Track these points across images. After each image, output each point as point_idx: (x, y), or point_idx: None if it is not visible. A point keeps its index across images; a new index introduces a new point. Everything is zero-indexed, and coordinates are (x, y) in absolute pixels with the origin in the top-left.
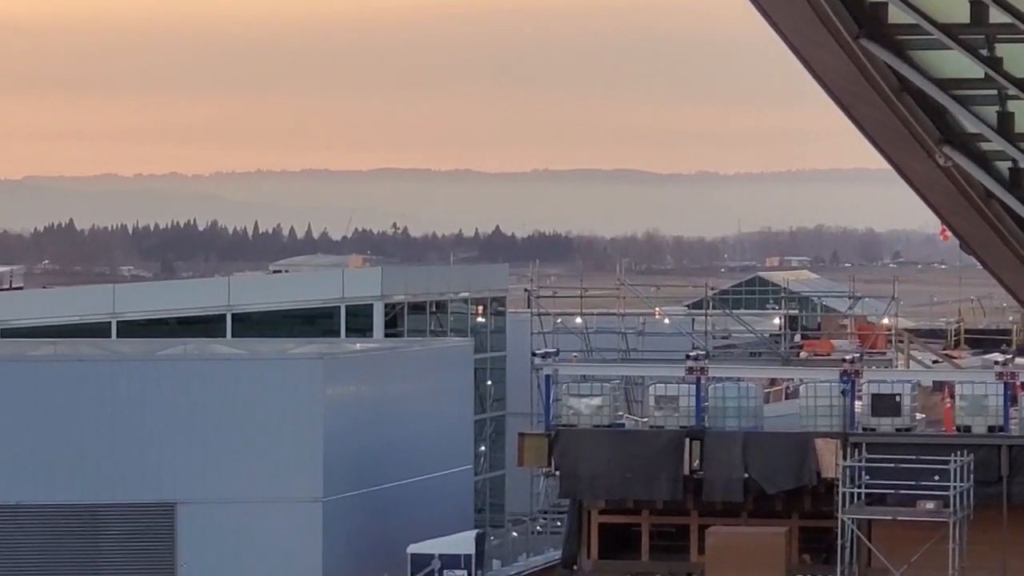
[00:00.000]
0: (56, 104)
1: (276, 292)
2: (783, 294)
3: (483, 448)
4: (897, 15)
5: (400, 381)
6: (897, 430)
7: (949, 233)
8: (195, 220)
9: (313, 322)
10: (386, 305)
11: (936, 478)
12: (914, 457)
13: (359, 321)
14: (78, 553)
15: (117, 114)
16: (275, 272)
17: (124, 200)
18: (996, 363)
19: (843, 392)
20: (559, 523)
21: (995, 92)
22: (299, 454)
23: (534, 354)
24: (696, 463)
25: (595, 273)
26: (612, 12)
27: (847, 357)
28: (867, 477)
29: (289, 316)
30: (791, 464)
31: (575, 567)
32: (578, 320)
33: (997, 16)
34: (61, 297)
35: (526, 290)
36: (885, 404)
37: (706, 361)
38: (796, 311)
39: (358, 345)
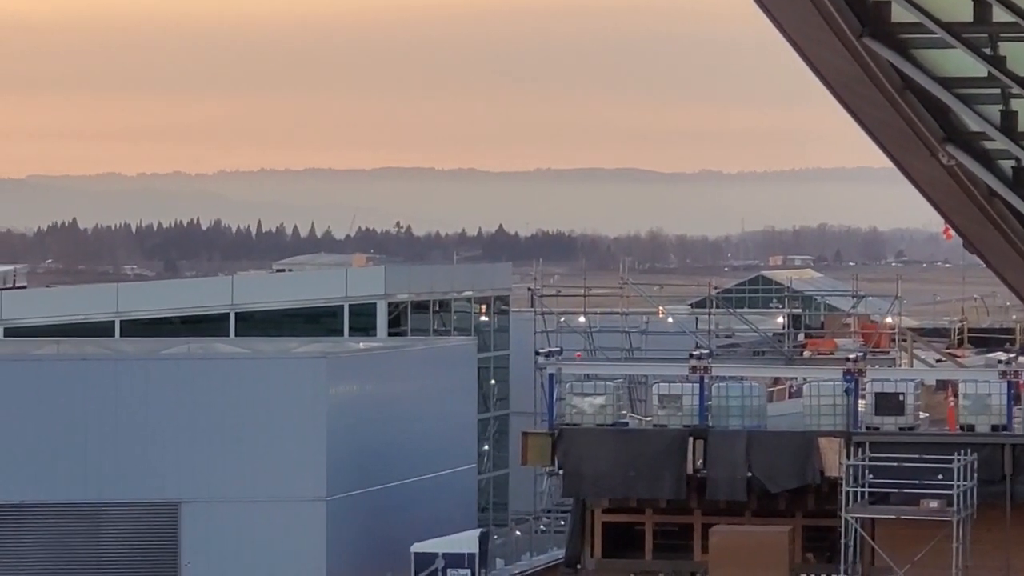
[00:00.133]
0: (59, 103)
1: (279, 291)
2: (786, 293)
3: (487, 447)
4: (900, 14)
5: (403, 380)
6: (900, 429)
7: (952, 232)
8: (198, 219)
9: (317, 321)
10: (389, 304)
11: (939, 477)
12: (917, 456)
13: (362, 320)
14: (82, 552)
15: (121, 113)
16: (278, 271)
17: (127, 199)
18: (999, 362)
19: (847, 391)
20: (563, 522)
21: (998, 91)
22: (303, 453)
23: (537, 353)
24: (700, 462)
25: (598, 272)
26: (615, 11)
27: (850, 356)
28: (870, 476)
29: (292, 315)
30: (795, 463)
31: (578, 566)
32: (581, 319)
33: (1000, 15)
34: (65, 296)
35: (529, 289)
36: (888, 403)
37: (709, 360)
38: (799, 310)
39: (361, 344)
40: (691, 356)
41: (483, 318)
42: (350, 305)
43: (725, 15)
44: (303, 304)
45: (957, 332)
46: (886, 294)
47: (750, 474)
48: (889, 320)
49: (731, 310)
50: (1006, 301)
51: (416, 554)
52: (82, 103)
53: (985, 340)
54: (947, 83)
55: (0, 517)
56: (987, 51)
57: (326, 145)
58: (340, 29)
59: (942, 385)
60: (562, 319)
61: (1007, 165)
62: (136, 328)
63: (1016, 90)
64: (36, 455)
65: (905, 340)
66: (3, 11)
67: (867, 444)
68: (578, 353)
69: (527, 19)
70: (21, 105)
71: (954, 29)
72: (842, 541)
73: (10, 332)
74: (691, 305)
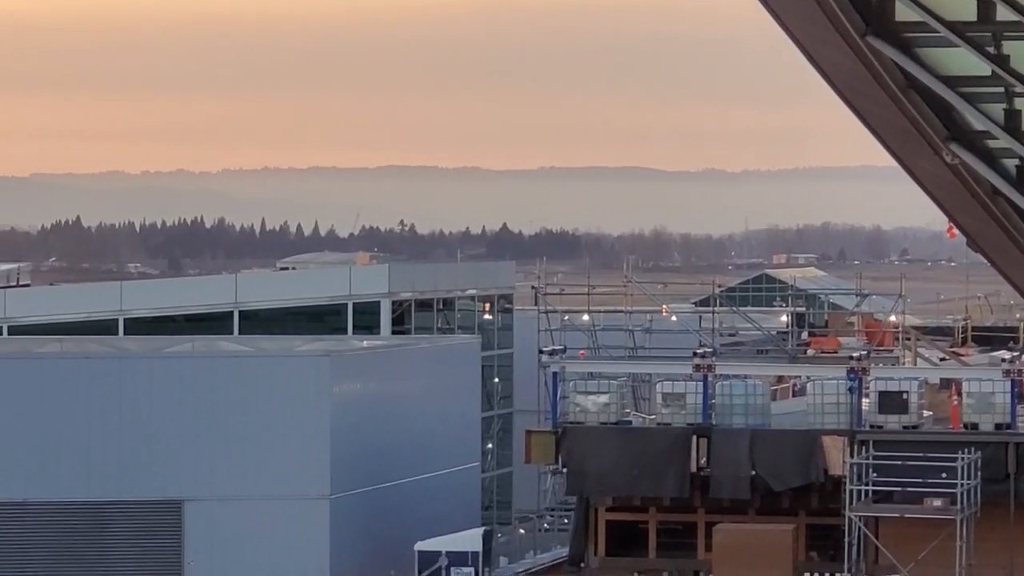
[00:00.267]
0: (63, 101)
1: (283, 289)
2: (790, 291)
3: (490, 445)
4: (904, 12)
5: (407, 378)
6: (904, 427)
7: (956, 230)
8: (202, 217)
9: (320, 319)
10: (393, 302)
11: (943, 476)
12: (921, 455)
13: (366, 318)
14: (85, 551)
15: (124, 111)
16: (282, 269)
17: (131, 197)
18: (1003, 360)
19: (850, 389)
20: (566, 520)
21: (1002, 89)
22: (306, 451)
23: (541, 351)
24: (703, 460)
25: (602, 270)
26: (618, 11)
27: (854, 355)
28: (874, 474)
29: (296, 313)
30: (798, 461)
31: (582, 564)
32: (585, 317)
33: (1004, 14)
34: (68, 294)
35: (533, 287)
36: (892, 401)
37: (713, 358)
38: (803, 308)
39: (365, 342)
40: (695, 354)
41: (487, 316)
42: (354, 303)
43: (728, 14)
44: (307, 302)
45: (961, 330)
46: (890, 292)
47: (754, 472)
48: (893, 318)
49: (735, 308)
50: (1010, 299)
51: (420, 552)
52: (86, 102)
53: (989, 338)
54: (951, 82)
55: (3, 515)
56: (991, 50)
57: (330, 143)
58: (344, 28)
59: (946, 383)
60: (566, 317)
61: (1011, 163)
62: (140, 326)
63: (1020, 89)
64: (39, 453)
65: (909, 338)
66: (6, 11)
67: (871, 442)
68: (582, 351)
69: (532, 18)
70: (25, 103)
71: (958, 28)
72: (846, 539)
73: (14, 330)
74: (695, 303)
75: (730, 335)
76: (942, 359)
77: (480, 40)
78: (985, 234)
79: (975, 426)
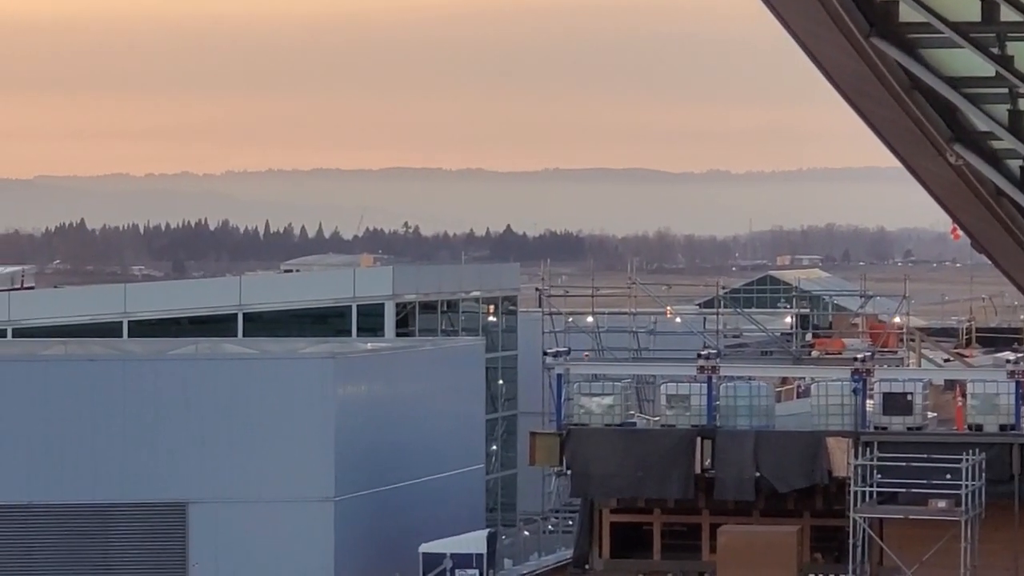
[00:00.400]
0: (67, 104)
1: (287, 291)
2: (794, 293)
3: (495, 447)
4: (908, 13)
5: (411, 380)
6: (909, 429)
7: (960, 231)
8: (206, 219)
9: (324, 321)
10: (397, 304)
11: (948, 477)
12: (926, 456)
13: (370, 320)
14: (90, 553)
15: (128, 113)
16: (286, 271)
17: (135, 199)
18: (1008, 362)
19: (855, 391)
20: (571, 522)
21: (1006, 90)
22: (310, 453)
23: (545, 353)
24: (708, 462)
25: (606, 272)
26: (623, 11)
27: (858, 356)
28: (879, 476)
29: (300, 315)
30: (803, 463)
31: (587, 566)
32: (589, 319)
33: (1008, 14)
34: (72, 297)
35: (537, 289)
36: (897, 403)
37: (717, 360)
38: (807, 310)
39: (369, 344)
40: (699, 356)
41: (491, 318)
42: (358, 305)
43: (732, 15)
44: (311, 304)
45: (965, 332)
46: (894, 294)
47: (758, 474)
48: (897, 320)
49: (739, 310)
50: (1014, 301)
51: (424, 554)
52: (90, 104)
53: (993, 340)
54: (955, 83)
55: (8, 517)
56: (995, 51)
57: (334, 145)
58: (348, 29)
59: (950, 385)
60: (570, 319)
61: (1015, 165)
62: (144, 329)
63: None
64: (44, 456)
65: (913, 340)
66: (9, 11)
67: (875, 444)
68: (586, 353)
69: (536, 19)
70: (29, 105)
71: (962, 29)
72: (850, 541)
73: (18, 333)
74: (699, 305)
75: (734, 336)
76: (946, 360)
77: (484, 41)
78: (989, 235)
79: (979, 427)
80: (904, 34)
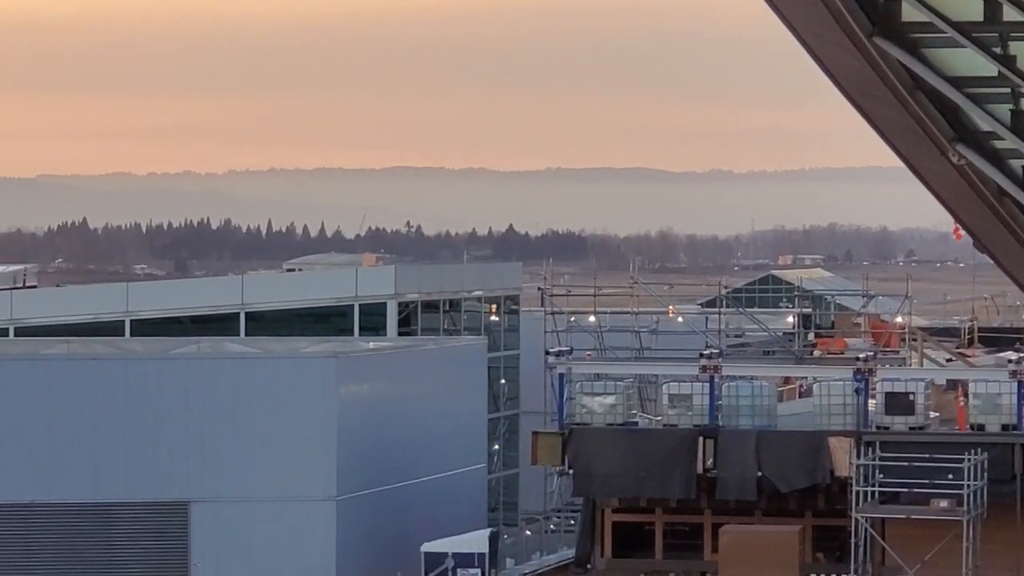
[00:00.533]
0: (69, 103)
1: (289, 291)
2: (796, 292)
3: (496, 447)
4: (911, 13)
5: (413, 380)
6: (911, 428)
7: (962, 231)
8: (208, 219)
9: (326, 321)
10: (399, 304)
11: (950, 476)
12: (928, 456)
13: (372, 320)
14: (91, 552)
15: (130, 113)
16: (288, 271)
17: (138, 198)
18: (1010, 361)
19: (857, 391)
20: (573, 522)
21: (1008, 90)
22: (312, 453)
23: (548, 353)
24: (710, 462)
25: (608, 272)
26: (625, 11)
27: (861, 356)
28: (881, 476)
29: (302, 315)
30: (805, 463)
31: (589, 566)
32: (591, 319)
33: (1011, 14)
34: (75, 296)
35: (539, 288)
36: (899, 403)
37: (719, 360)
38: (809, 309)
39: (371, 344)
40: (701, 356)
41: (493, 318)
42: (360, 305)
43: (734, 14)
44: (313, 304)
45: (967, 331)
46: (896, 293)
47: (760, 474)
48: (899, 319)
49: (741, 310)
50: (1016, 300)
51: (426, 554)
52: (92, 103)
53: (995, 339)
54: (957, 82)
55: (10, 517)
56: (997, 50)
57: (336, 144)
58: (351, 28)
59: (952, 385)
60: (572, 319)
61: (1017, 164)
62: (146, 328)
63: None
64: (45, 455)
65: (915, 339)
66: (9, 11)
67: (877, 444)
68: (588, 353)
69: (538, 18)
70: (31, 105)
71: (964, 28)
72: (852, 541)
73: (20, 331)
74: (701, 305)
75: (736, 336)
76: (948, 360)
77: (487, 40)
78: (991, 235)
79: (982, 427)
80: (906, 34)
